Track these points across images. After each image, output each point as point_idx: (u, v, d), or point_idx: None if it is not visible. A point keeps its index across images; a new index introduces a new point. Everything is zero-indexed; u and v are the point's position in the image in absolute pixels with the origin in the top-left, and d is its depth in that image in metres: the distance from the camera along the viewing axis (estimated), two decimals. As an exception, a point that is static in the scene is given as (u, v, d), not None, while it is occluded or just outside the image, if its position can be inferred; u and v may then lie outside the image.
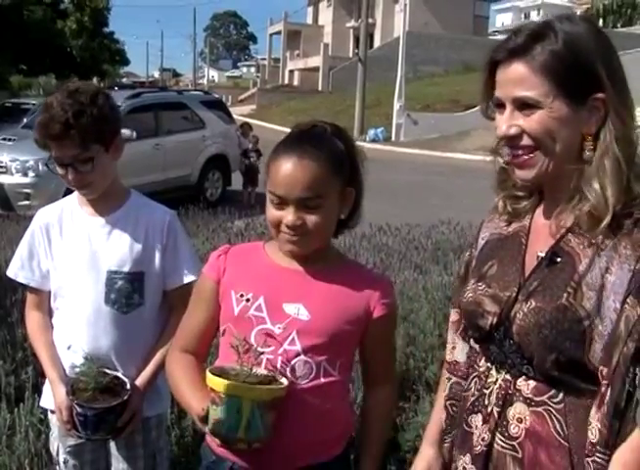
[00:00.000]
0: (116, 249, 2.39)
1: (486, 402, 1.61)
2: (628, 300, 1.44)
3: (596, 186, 1.50)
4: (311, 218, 1.79)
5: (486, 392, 1.62)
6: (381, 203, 12.38)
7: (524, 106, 1.51)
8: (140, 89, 14.78)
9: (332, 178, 1.81)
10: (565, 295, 1.49)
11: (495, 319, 1.59)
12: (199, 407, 1.78)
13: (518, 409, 1.55)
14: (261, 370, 1.78)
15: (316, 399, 1.84)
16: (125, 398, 2.30)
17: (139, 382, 2.40)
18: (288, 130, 1.95)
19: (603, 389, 1.44)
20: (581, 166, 1.52)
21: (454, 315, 1.85)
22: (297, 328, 1.83)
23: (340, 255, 2.04)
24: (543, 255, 1.58)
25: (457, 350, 1.82)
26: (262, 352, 1.80)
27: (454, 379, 1.81)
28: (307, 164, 1.77)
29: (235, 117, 16.42)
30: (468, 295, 1.69)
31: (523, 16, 78.34)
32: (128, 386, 2.33)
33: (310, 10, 65.92)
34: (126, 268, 2.38)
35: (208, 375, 1.73)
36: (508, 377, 1.58)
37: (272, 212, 1.83)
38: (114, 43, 46.42)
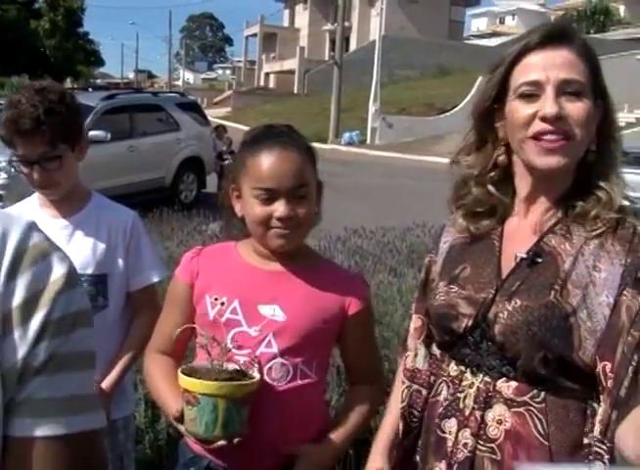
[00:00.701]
0: (79, 251, 2.36)
1: (461, 406, 1.59)
2: (626, 292, 1.46)
3: (605, 186, 1.53)
4: (301, 209, 1.81)
5: (461, 396, 1.60)
6: (356, 206, 12.42)
7: (566, 92, 1.50)
8: (115, 90, 14.68)
9: (311, 168, 1.86)
10: (552, 292, 1.49)
11: (471, 321, 1.58)
12: (175, 408, 1.78)
13: (497, 411, 1.53)
14: (232, 365, 1.77)
15: (293, 400, 1.84)
16: None
17: (105, 385, 2.38)
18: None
19: (610, 384, 1.44)
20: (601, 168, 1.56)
21: (417, 322, 1.81)
22: (273, 330, 1.83)
23: (313, 253, 2.04)
24: (523, 255, 1.58)
25: (419, 357, 1.78)
26: (230, 350, 1.79)
27: (415, 386, 1.76)
28: (291, 154, 1.81)
29: (210, 119, 16.37)
30: (439, 298, 1.67)
31: (498, 21, 78.82)
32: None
33: (287, 13, 65.92)
34: (89, 271, 2.36)
35: (180, 376, 1.73)
36: (487, 379, 1.56)
37: (260, 209, 1.81)
38: (88, 44, 46.07)
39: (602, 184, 1.55)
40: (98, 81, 63.56)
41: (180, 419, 1.76)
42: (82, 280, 2.35)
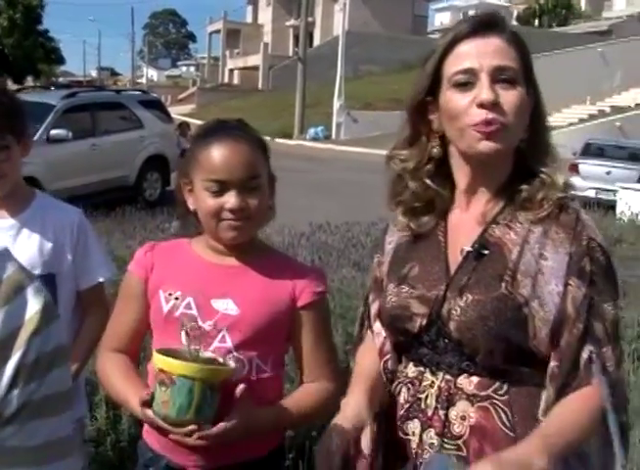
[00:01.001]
0: (25, 251, 2.30)
1: (423, 406, 1.57)
2: (571, 281, 1.47)
3: (546, 170, 1.54)
4: (252, 201, 1.80)
5: (422, 396, 1.58)
6: (321, 201, 12.41)
7: (500, 79, 1.50)
8: (76, 89, 14.53)
9: (263, 160, 1.86)
10: (503, 284, 1.49)
11: (425, 320, 1.56)
12: (144, 392, 1.74)
13: (461, 408, 1.52)
14: (208, 353, 1.76)
15: (249, 396, 1.80)
16: None
17: None
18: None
19: (556, 371, 1.46)
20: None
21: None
22: (226, 324, 1.81)
23: (267, 247, 2.03)
24: (469, 249, 1.57)
25: (393, 359, 1.71)
26: (209, 332, 1.77)
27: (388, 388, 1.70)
28: (242, 146, 1.81)
29: (175, 116, 16.28)
30: (391, 299, 1.64)
31: (461, 15, 79.22)
32: None
33: (250, 8, 65.71)
34: (37, 271, 2.29)
35: (157, 356, 1.70)
36: (448, 377, 1.54)
37: (211, 201, 1.80)
38: (48, 41, 45.44)
39: (542, 169, 1.56)
40: (60, 80, 62.83)
41: (148, 403, 1.72)
42: None
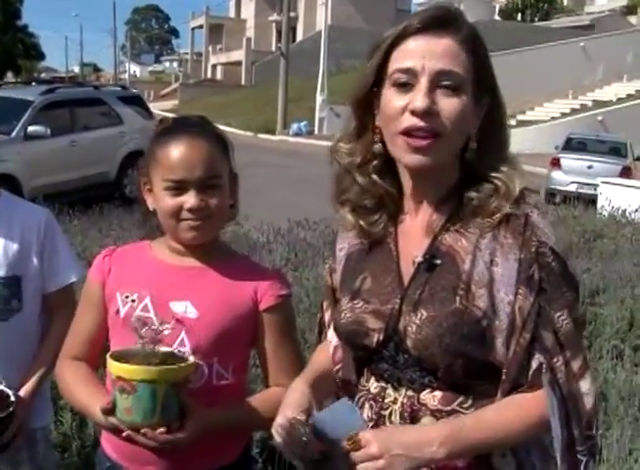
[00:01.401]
0: None
1: (387, 424, 1.52)
2: (520, 290, 1.41)
3: (500, 176, 1.46)
4: (212, 200, 1.77)
5: (385, 413, 1.53)
6: (303, 197, 12.36)
7: (443, 85, 1.41)
8: (55, 84, 14.42)
9: (223, 158, 1.83)
10: (457, 298, 1.43)
11: (382, 336, 1.50)
12: (105, 400, 1.69)
13: (425, 423, 1.46)
14: (163, 347, 1.70)
15: (209, 402, 1.76)
16: (11, 409, 2.18)
17: (24, 392, 2.26)
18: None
19: (504, 378, 1.43)
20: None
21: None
22: (185, 328, 1.77)
23: (228, 249, 1.98)
24: (420, 259, 1.50)
25: (346, 368, 1.67)
26: (161, 331, 1.71)
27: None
28: (201, 144, 1.78)
29: (157, 112, 16.19)
30: (346, 315, 1.57)
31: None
32: (13, 397, 2.20)
33: (232, 3, 65.53)
34: (1, 273, 2.24)
35: (112, 363, 1.65)
36: (410, 393, 1.49)
37: (170, 201, 1.77)
38: (28, 37, 45.14)
39: (494, 175, 1.47)
40: (42, 75, 62.49)
41: (111, 411, 1.67)
42: None
